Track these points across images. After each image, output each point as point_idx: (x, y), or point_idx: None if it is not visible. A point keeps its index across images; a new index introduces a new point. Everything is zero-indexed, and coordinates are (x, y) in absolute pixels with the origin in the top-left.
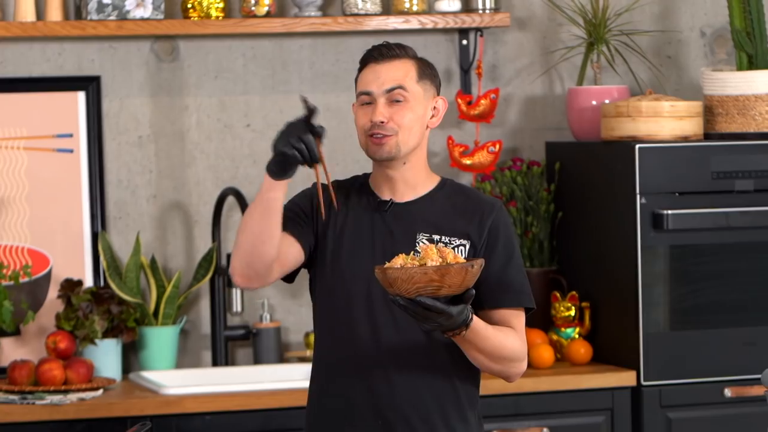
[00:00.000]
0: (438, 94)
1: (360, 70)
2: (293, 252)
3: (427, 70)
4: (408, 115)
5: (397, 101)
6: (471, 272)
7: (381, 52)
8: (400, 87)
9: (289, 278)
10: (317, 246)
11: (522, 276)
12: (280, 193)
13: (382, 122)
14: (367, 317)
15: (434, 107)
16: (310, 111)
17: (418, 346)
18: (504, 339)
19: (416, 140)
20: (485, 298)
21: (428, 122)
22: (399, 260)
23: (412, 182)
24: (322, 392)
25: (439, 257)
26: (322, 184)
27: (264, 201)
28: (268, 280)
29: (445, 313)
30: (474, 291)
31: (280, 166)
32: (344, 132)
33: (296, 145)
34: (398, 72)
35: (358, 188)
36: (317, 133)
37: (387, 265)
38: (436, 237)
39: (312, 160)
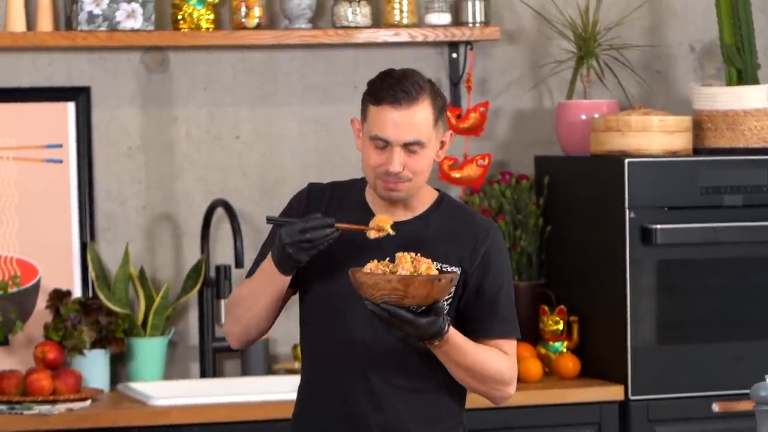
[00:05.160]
0: (445, 126)
1: (372, 102)
2: (286, 294)
3: (438, 102)
4: (423, 162)
5: (414, 152)
6: (438, 285)
7: (397, 98)
8: (419, 143)
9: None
10: (305, 266)
11: (511, 305)
12: (289, 277)
13: (399, 172)
14: (349, 333)
15: (442, 141)
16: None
17: (400, 363)
18: (487, 357)
19: (426, 178)
20: (474, 327)
21: (436, 156)
22: (371, 264)
23: (411, 204)
24: (305, 404)
25: (412, 266)
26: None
27: (275, 287)
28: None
29: (412, 323)
30: (443, 303)
31: (291, 266)
32: (334, 145)
33: (308, 244)
34: (417, 119)
35: (353, 200)
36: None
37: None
38: None
39: (330, 235)
